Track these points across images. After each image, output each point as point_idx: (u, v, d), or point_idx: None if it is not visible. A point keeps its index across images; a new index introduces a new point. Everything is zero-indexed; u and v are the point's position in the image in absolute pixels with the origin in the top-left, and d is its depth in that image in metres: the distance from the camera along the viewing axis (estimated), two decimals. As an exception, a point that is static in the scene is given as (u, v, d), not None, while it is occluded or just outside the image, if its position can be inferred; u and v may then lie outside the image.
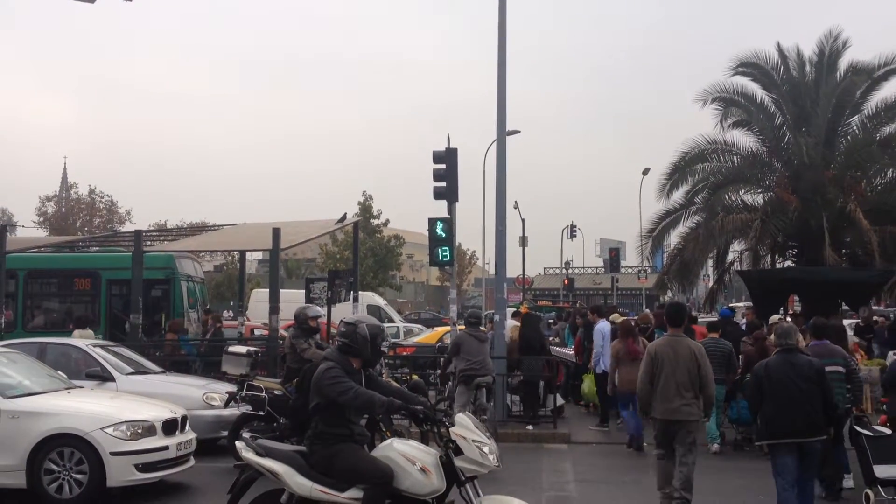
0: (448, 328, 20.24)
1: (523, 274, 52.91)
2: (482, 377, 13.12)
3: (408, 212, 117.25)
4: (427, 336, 23.80)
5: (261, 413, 11.39)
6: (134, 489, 9.79)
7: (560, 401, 16.11)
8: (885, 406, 10.92)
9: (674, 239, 27.01)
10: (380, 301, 38.31)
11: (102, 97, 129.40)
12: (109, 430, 9.55)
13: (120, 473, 9.52)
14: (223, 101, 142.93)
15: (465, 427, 6.31)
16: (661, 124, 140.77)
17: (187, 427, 10.61)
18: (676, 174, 25.32)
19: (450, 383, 13.95)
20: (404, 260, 66.96)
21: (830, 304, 18.65)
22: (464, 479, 6.23)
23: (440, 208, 17.61)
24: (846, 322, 20.51)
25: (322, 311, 15.31)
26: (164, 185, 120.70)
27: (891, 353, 15.75)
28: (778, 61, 24.72)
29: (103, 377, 12.32)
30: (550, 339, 20.09)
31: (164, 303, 21.25)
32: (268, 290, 20.93)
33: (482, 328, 14.22)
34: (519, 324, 17.45)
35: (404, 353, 19.77)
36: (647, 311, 21.66)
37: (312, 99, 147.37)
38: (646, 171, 47.02)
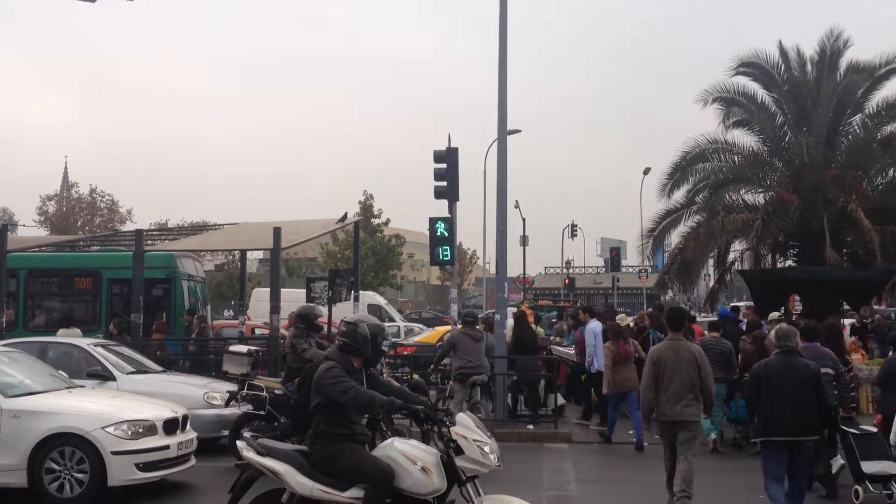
0: (448, 327, 20.25)
1: (524, 273, 52.95)
2: (477, 376, 13.34)
3: (408, 211, 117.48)
4: (428, 335, 23.79)
5: (262, 412, 11.39)
6: (135, 488, 9.79)
7: (561, 400, 16.13)
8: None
9: (675, 238, 27.01)
10: (380, 300, 38.31)
11: (103, 96, 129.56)
12: (110, 430, 9.55)
13: (121, 473, 9.53)
14: (223, 101, 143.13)
15: (465, 426, 6.31)
16: (662, 124, 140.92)
17: (188, 426, 10.62)
18: (677, 174, 25.32)
19: (450, 382, 14.03)
20: (405, 259, 66.96)
21: (831, 303, 18.66)
22: (465, 478, 6.23)
23: (441, 208, 17.64)
24: (847, 322, 20.55)
25: (324, 310, 15.34)
26: (165, 185, 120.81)
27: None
28: (779, 60, 24.72)
29: (104, 376, 12.33)
30: (552, 338, 20.11)
31: (165, 302, 21.24)
32: (269, 289, 20.97)
33: (477, 327, 14.31)
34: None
35: (405, 353, 19.77)
36: (650, 310, 21.62)
37: (312, 99, 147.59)
38: (646, 171, 47.05)
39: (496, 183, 16.15)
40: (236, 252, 39.59)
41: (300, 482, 6.30)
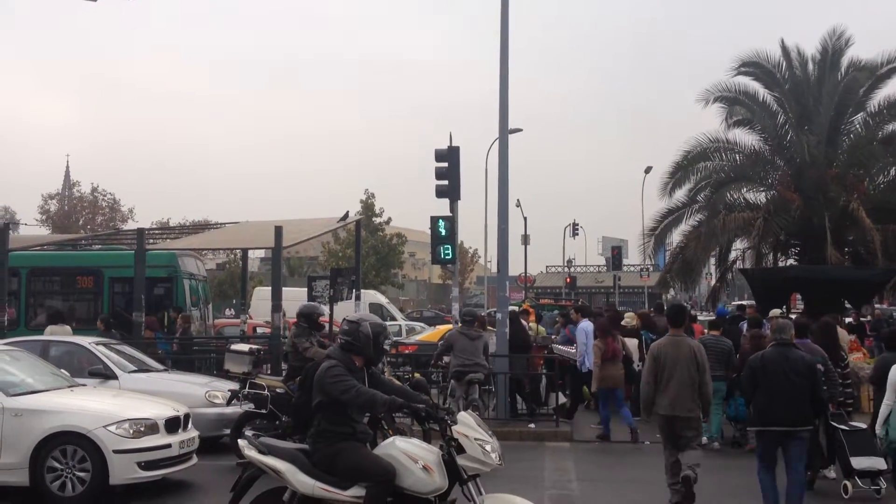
0: (450, 326, 20.25)
1: (525, 272, 52.91)
2: (473, 374, 13.40)
3: (410, 210, 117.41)
4: (429, 334, 23.76)
5: (263, 411, 11.39)
6: (136, 487, 9.80)
7: (562, 399, 16.14)
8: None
9: (676, 237, 27.05)
10: (382, 299, 38.33)
11: (104, 96, 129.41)
12: (112, 428, 9.55)
13: (123, 471, 9.53)
14: (224, 101, 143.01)
15: (467, 425, 6.31)
16: (664, 122, 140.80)
17: (190, 425, 10.61)
18: (679, 173, 25.35)
19: (450, 381, 14.08)
20: (406, 258, 66.97)
21: (833, 302, 18.65)
22: (466, 477, 6.23)
23: (442, 206, 17.63)
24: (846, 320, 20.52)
25: (325, 309, 15.35)
26: (167, 184, 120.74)
27: None
28: (781, 59, 24.74)
29: (106, 375, 12.33)
30: (554, 337, 20.12)
31: (166, 301, 21.24)
32: (270, 288, 20.97)
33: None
34: (522, 322, 17.54)
35: (406, 352, 19.78)
36: (651, 309, 21.66)
37: (313, 98, 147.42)
38: (648, 170, 47.04)
39: (497, 182, 16.14)
40: (238, 251, 39.65)
41: (302, 481, 6.30)
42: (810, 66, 24.84)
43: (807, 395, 8.43)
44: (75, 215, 66.21)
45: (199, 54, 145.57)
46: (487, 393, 14.51)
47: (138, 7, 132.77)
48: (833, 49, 24.52)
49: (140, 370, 13.01)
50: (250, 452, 6.52)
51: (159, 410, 10.20)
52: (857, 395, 12.78)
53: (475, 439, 6.22)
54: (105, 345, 13.43)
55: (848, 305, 21.33)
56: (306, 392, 6.85)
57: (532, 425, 14.78)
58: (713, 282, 31.63)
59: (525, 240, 51.89)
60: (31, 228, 60.93)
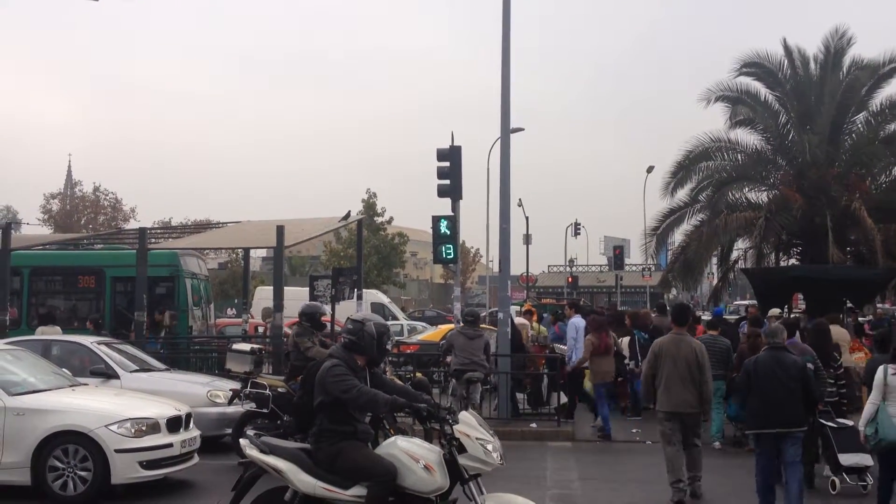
0: (451, 325, 20.26)
1: (527, 271, 52.86)
2: (472, 372, 13.47)
3: (411, 209, 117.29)
4: (431, 334, 23.76)
5: (265, 410, 11.39)
6: (138, 486, 9.80)
7: (564, 398, 16.13)
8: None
9: (678, 237, 27.06)
10: (384, 299, 38.31)
11: (106, 95, 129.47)
12: (114, 428, 9.56)
13: (124, 470, 9.54)
14: (225, 100, 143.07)
15: (468, 425, 6.31)
16: (666, 122, 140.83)
17: (191, 424, 10.62)
18: (681, 172, 25.34)
19: (452, 380, 14.13)
20: (408, 257, 66.94)
21: (835, 302, 18.63)
22: (467, 476, 6.23)
23: (444, 206, 17.62)
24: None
25: (327, 308, 15.34)
26: (168, 183, 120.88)
27: None
28: (783, 59, 24.73)
29: (108, 374, 12.34)
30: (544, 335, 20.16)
31: (168, 300, 21.26)
32: (272, 287, 20.97)
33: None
34: (526, 322, 17.57)
35: (408, 351, 19.78)
36: (654, 310, 21.64)
37: (314, 97, 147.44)
38: (650, 169, 47.07)
39: (499, 181, 16.15)
40: (240, 250, 39.65)
41: (303, 480, 6.31)
42: (812, 65, 24.82)
43: (799, 397, 8.66)
44: (77, 215, 66.17)
45: (199, 54, 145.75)
46: (488, 393, 14.51)
47: (139, 7, 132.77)
48: (835, 48, 24.49)
49: (142, 369, 13.02)
50: (252, 452, 6.52)
51: (161, 410, 10.21)
52: (858, 394, 12.77)
53: (476, 439, 6.22)
54: (107, 344, 13.44)
55: (850, 305, 21.32)
56: (308, 391, 6.85)
57: (533, 425, 14.80)
58: (715, 281, 31.62)
59: (527, 239, 51.86)
60: (33, 228, 60.94)
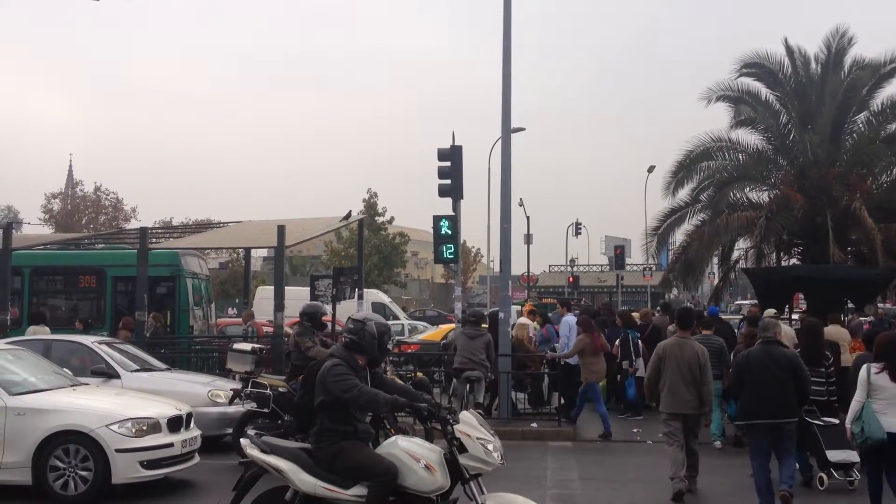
0: (452, 325, 20.27)
1: (528, 271, 52.88)
2: (470, 371, 13.57)
3: (412, 209, 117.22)
4: (432, 333, 23.81)
5: (265, 410, 11.40)
6: (139, 486, 9.80)
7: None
8: None
9: (679, 237, 27.01)
10: (384, 298, 38.33)
11: (106, 95, 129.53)
12: (115, 427, 9.57)
13: (125, 470, 9.55)
14: (225, 99, 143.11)
15: (469, 424, 6.31)
16: (667, 121, 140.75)
17: (192, 424, 10.63)
18: (682, 172, 25.29)
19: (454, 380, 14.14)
20: (409, 257, 66.92)
21: (836, 302, 18.63)
22: (468, 476, 6.23)
23: (445, 205, 17.63)
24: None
25: (328, 308, 15.33)
26: (169, 183, 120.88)
27: None
28: (783, 59, 24.67)
29: (108, 374, 12.35)
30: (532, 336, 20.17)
31: (169, 300, 21.27)
32: (273, 287, 20.98)
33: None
34: (528, 322, 17.57)
35: (409, 351, 19.79)
36: (657, 310, 21.65)
37: (315, 97, 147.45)
38: (651, 169, 47.10)
39: (500, 181, 16.14)
40: (240, 250, 39.66)
41: (304, 480, 6.31)
42: (813, 65, 24.78)
43: (790, 388, 8.92)
44: (78, 214, 66.22)
45: (199, 54, 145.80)
46: (489, 394, 14.50)
47: (139, 7, 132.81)
48: (836, 48, 24.44)
49: (142, 369, 13.02)
50: (252, 451, 6.52)
51: (162, 410, 10.21)
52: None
53: (477, 438, 6.23)
54: (108, 344, 13.45)
55: (851, 305, 21.32)
56: (309, 391, 6.86)
57: (534, 424, 14.80)
58: (716, 281, 31.60)
59: (528, 239, 51.88)
60: (34, 228, 60.98)
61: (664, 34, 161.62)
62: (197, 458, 10.56)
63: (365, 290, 23.91)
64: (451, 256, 17.08)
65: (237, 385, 12.25)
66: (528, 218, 50.69)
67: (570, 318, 16.28)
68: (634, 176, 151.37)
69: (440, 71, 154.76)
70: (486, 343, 13.89)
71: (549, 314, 20.16)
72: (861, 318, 20.98)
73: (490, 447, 6.23)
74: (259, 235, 20.74)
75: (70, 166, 77.89)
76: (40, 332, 15.35)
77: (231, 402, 12.24)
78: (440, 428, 6.41)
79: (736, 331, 16.58)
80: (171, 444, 9.96)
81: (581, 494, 10.43)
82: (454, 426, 6.29)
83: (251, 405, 11.65)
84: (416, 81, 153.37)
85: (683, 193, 25.66)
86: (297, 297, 21.69)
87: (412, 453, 6.30)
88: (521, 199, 49.92)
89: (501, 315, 15.88)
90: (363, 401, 6.38)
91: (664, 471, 10.15)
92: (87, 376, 11.96)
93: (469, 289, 74.79)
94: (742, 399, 9.25)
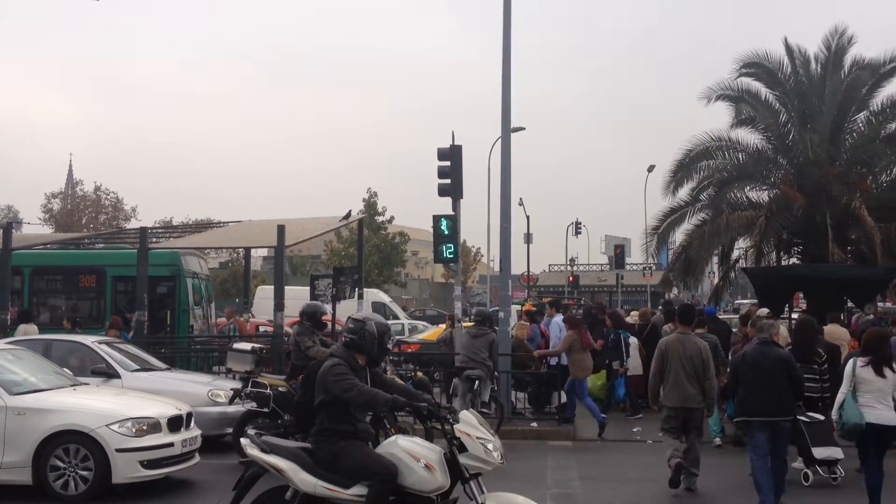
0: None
1: (528, 271, 52.86)
2: (471, 370, 13.65)
3: (412, 209, 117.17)
4: (432, 333, 23.83)
5: (265, 410, 11.41)
6: (139, 485, 9.80)
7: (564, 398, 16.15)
8: None
9: (679, 236, 27.02)
10: (384, 298, 38.34)
11: (106, 95, 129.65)
12: (115, 427, 9.57)
13: (125, 470, 9.55)
14: (225, 100, 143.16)
15: (469, 424, 6.32)
16: (667, 120, 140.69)
17: (192, 424, 10.62)
18: (681, 171, 25.31)
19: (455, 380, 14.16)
20: (409, 257, 66.90)
21: (836, 301, 18.63)
22: (468, 475, 6.24)
23: (445, 205, 17.63)
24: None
25: (328, 308, 15.31)
26: (170, 183, 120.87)
27: None
28: (783, 59, 24.69)
29: (109, 374, 12.34)
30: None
31: (169, 300, 21.27)
32: (273, 286, 20.98)
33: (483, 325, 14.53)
34: (528, 322, 17.58)
35: (409, 350, 19.79)
36: (660, 309, 21.66)
37: (315, 97, 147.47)
38: (651, 168, 47.09)
39: (500, 181, 16.14)
40: (240, 249, 39.65)
41: (304, 479, 6.31)
42: (813, 64, 24.79)
43: (785, 387, 9.09)
44: (78, 214, 66.17)
45: (199, 54, 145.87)
46: (493, 398, 14.49)
47: (140, 7, 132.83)
48: (836, 47, 24.46)
49: (143, 369, 13.02)
50: (253, 451, 6.52)
51: (162, 409, 10.21)
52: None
53: (477, 438, 6.23)
54: (108, 343, 13.44)
55: (851, 304, 21.31)
56: (309, 390, 6.86)
57: (534, 424, 14.80)
58: (716, 280, 31.60)
59: (528, 238, 51.87)
60: (34, 227, 61.01)
61: (664, 34, 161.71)
62: (197, 458, 10.55)
63: (365, 289, 23.91)
64: (451, 256, 17.07)
65: (237, 384, 12.25)
66: (528, 217, 50.73)
67: (558, 319, 16.36)
68: (634, 175, 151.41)
69: (440, 71, 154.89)
70: (488, 342, 13.90)
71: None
72: (869, 317, 20.95)
73: (490, 446, 6.23)
74: (259, 235, 20.74)
75: (70, 166, 78.02)
76: (30, 332, 15.39)
77: (231, 402, 12.23)
78: (440, 427, 6.41)
79: (733, 330, 16.59)
80: (171, 444, 9.95)
81: (581, 494, 10.43)
82: (454, 425, 6.29)
83: (251, 405, 11.66)
84: (416, 81, 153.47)
85: (683, 193, 25.71)
86: (297, 296, 21.69)
87: (412, 453, 6.30)
88: (520, 198, 49.98)
89: (501, 315, 15.88)
90: (363, 400, 6.38)
91: (665, 470, 10.15)
92: (88, 376, 11.95)
93: (469, 288, 74.76)
94: (738, 397, 9.43)
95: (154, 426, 9.86)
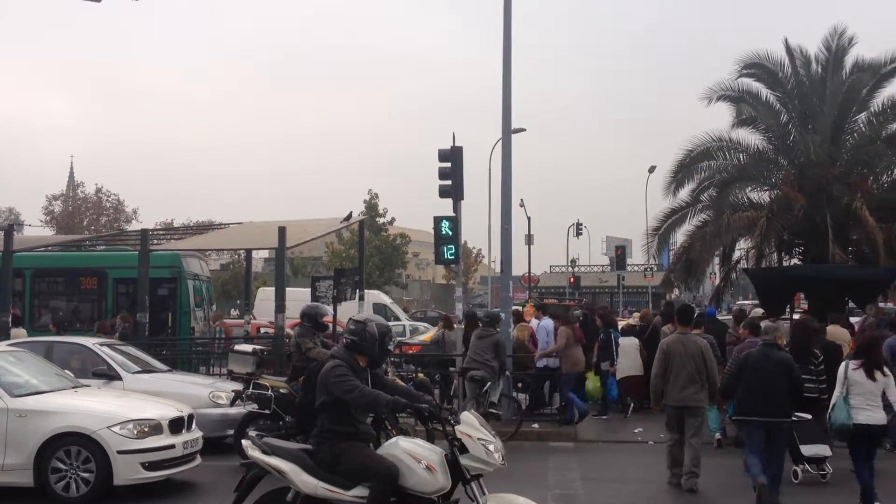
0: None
1: (529, 272, 52.88)
2: (474, 371, 13.65)
3: (413, 210, 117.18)
4: (433, 334, 23.79)
5: (267, 411, 11.41)
6: (141, 487, 9.80)
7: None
8: None
9: (680, 237, 26.93)
10: (385, 299, 38.33)
11: (107, 97, 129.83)
12: (116, 429, 9.58)
13: (127, 472, 9.56)
14: (225, 100, 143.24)
15: (470, 425, 6.32)
16: (667, 120, 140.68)
17: (193, 425, 10.63)
18: (682, 172, 25.26)
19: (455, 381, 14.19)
20: (410, 258, 66.94)
21: (837, 301, 18.61)
22: (469, 477, 6.24)
23: (446, 206, 17.63)
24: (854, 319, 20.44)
25: (329, 309, 15.30)
26: (171, 185, 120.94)
27: None
28: (784, 59, 24.64)
29: (110, 376, 12.36)
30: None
31: (170, 301, 21.30)
32: (274, 288, 21.00)
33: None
34: (528, 322, 17.58)
35: (410, 352, 19.79)
36: (658, 311, 21.66)
37: (315, 97, 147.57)
38: (652, 169, 47.12)
39: (501, 181, 16.15)
40: (242, 251, 39.67)
41: (305, 481, 6.31)
42: (814, 65, 24.75)
43: (785, 389, 9.32)
44: (79, 216, 66.15)
45: (200, 55, 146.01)
46: (504, 395, 14.49)
47: (141, 8, 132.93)
48: (836, 48, 24.42)
49: (144, 371, 13.03)
50: (254, 453, 6.53)
51: (163, 411, 10.22)
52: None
53: (478, 439, 6.23)
54: (109, 345, 13.46)
55: (852, 305, 21.28)
56: (310, 392, 6.86)
57: (535, 425, 14.80)
58: (717, 281, 31.57)
59: (529, 240, 51.87)
60: (36, 229, 61.00)
61: (665, 34, 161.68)
62: (198, 460, 10.56)
63: (366, 291, 23.93)
64: (452, 257, 17.09)
65: (238, 386, 12.26)
66: (528, 218, 50.75)
67: (546, 323, 16.24)
68: (635, 176, 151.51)
69: (440, 71, 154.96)
70: (493, 343, 13.90)
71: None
72: (873, 319, 20.92)
73: (491, 448, 6.23)
74: (260, 237, 20.76)
75: (71, 168, 78.19)
76: (19, 335, 15.46)
77: (232, 404, 12.25)
78: (441, 428, 6.41)
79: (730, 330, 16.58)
80: (172, 446, 9.96)
81: (582, 495, 10.43)
82: (455, 427, 6.30)
83: (252, 406, 11.67)
84: (416, 81, 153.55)
85: (684, 193, 25.64)
86: (298, 298, 21.72)
87: (413, 454, 6.31)
88: (521, 199, 49.97)
89: (503, 316, 15.88)
90: (364, 402, 6.39)
91: (665, 470, 10.19)
92: (89, 378, 11.96)
93: (470, 290, 74.76)
94: (738, 397, 9.62)
95: (155, 428, 9.86)
